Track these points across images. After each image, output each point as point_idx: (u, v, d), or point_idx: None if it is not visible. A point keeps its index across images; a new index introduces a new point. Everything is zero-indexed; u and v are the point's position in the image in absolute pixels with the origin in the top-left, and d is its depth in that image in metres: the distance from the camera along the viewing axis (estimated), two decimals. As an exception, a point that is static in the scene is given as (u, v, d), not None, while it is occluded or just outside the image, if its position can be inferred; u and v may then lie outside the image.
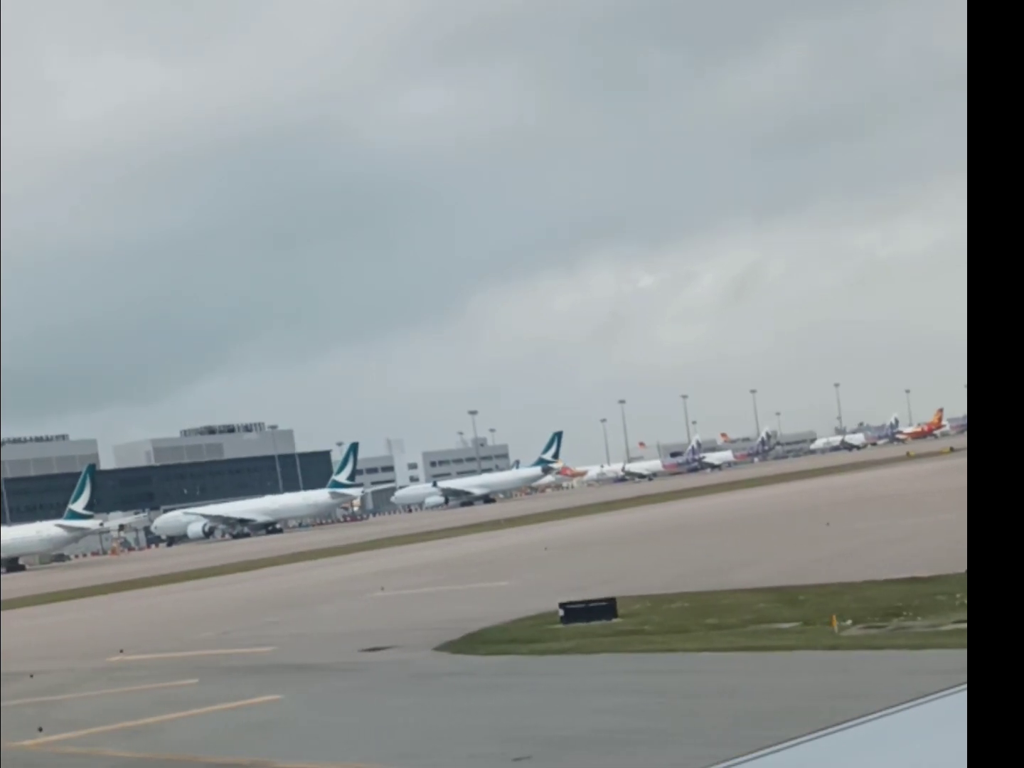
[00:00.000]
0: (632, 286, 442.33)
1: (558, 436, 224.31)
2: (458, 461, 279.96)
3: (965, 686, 5.16)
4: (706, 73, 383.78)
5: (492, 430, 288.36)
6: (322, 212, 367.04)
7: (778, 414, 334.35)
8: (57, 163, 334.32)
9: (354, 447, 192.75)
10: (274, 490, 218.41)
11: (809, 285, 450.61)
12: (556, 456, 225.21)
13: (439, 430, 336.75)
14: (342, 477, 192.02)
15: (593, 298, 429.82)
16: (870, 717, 5.29)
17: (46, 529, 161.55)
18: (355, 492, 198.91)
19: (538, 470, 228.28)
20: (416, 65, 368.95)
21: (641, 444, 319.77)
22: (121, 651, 41.98)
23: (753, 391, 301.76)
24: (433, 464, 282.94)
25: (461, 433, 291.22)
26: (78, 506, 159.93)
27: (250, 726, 25.62)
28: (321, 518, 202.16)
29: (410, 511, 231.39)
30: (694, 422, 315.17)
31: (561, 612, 36.92)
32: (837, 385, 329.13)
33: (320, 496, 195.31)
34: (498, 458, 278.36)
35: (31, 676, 37.77)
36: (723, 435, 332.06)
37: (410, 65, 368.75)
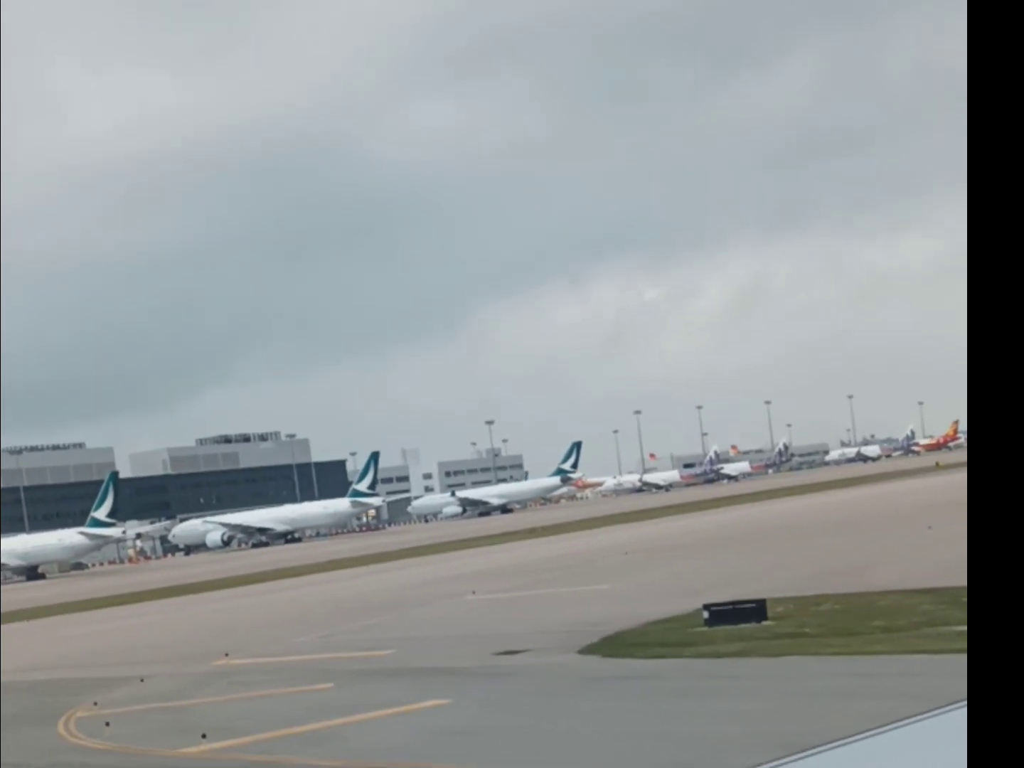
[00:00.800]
0: (637, 298, 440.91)
1: (577, 446, 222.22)
2: (473, 471, 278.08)
3: (965, 702, 5.20)
4: (713, 87, 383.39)
5: (505, 440, 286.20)
6: (331, 224, 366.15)
7: (789, 426, 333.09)
8: (70, 175, 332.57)
9: (375, 456, 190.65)
10: (290, 499, 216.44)
11: (814, 297, 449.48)
12: (575, 466, 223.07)
13: (449, 441, 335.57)
14: (363, 486, 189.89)
15: (599, 310, 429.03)
16: (869, 733, 5.25)
17: (68, 537, 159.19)
18: (376, 501, 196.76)
19: (557, 480, 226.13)
20: (425, 78, 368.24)
21: (652, 455, 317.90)
22: (226, 655, 39.98)
23: (768, 402, 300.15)
24: (448, 474, 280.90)
25: (474, 444, 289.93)
26: (100, 514, 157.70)
27: (445, 732, 23.61)
28: (337, 528, 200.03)
29: (426, 521, 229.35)
30: (705, 434, 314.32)
31: (706, 614, 34.93)
32: (851, 397, 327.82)
33: (340, 505, 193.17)
34: (512, 468, 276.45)
35: (141, 680, 35.79)
36: (733, 447, 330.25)
37: (419, 78, 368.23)
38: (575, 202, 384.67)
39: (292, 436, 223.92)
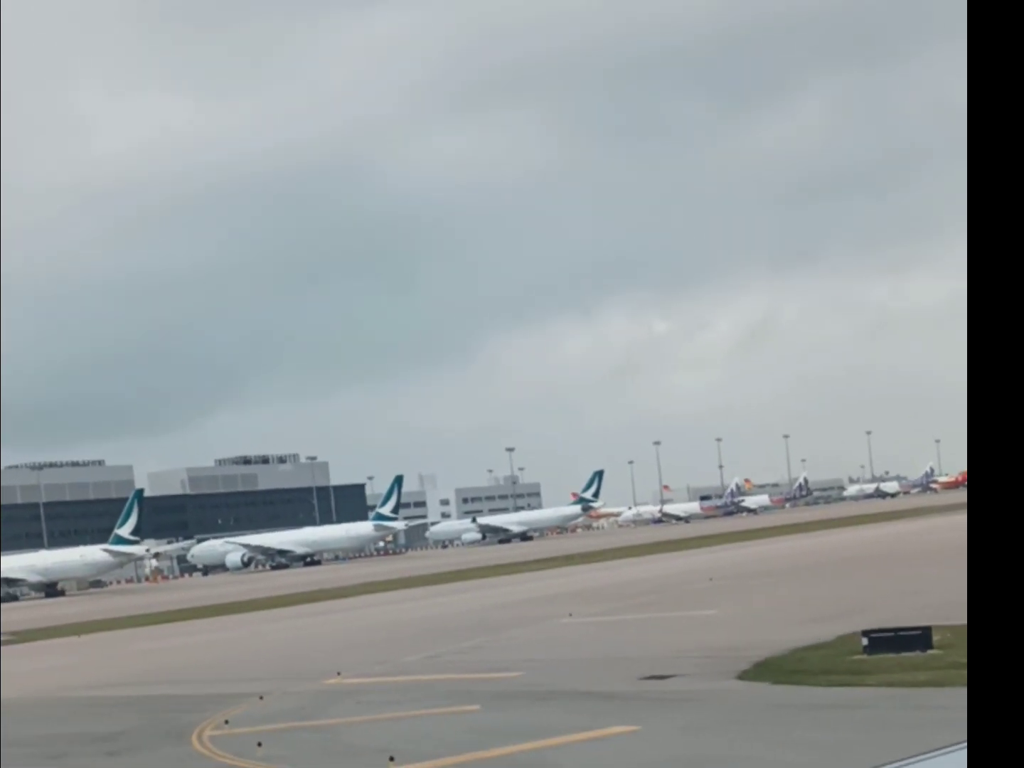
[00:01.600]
0: (648, 331, 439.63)
1: (599, 475, 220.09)
2: (491, 498, 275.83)
3: (965, 744, 5.38)
4: (726, 124, 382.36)
5: (521, 469, 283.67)
6: (348, 251, 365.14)
7: (803, 460, 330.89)
8: (95, 195, 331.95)
9: (399, 480, 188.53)
10: (308, 522, 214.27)
11: (824, 334, 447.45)
12: (596, 495, 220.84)
13: (463, 467, 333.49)
14: (386, 510, 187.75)
15: (609, 341, 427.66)
16: None
17: (90, 553, 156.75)
18: (399, 526, 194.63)
19: (578, 509, 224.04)
20: (442, 109, 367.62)
21: (666, 487, 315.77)
22: (339, 673, 37.94)
23: (786, 436, 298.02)
24: (465, 500, 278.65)
25: (491, 471, 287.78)
26: (124, 531, 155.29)
27: (678, 760, 21.66)
28: (355, 552, 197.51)
29: (444, 547, 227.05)
30: (720, 466, 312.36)
31: (864, 640, 32.95)
32: (869, 433, 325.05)
33: (363, 529, 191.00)
34: (530, 496, 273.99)
35: (260, 698, 33.78)
36: (747, 481, 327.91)
37: (436, 109, 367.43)
38: (587, 234, 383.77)
39: (313, 458, 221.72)
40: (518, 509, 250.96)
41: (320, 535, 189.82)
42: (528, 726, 26.16)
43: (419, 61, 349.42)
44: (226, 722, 29.68)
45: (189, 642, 57.08)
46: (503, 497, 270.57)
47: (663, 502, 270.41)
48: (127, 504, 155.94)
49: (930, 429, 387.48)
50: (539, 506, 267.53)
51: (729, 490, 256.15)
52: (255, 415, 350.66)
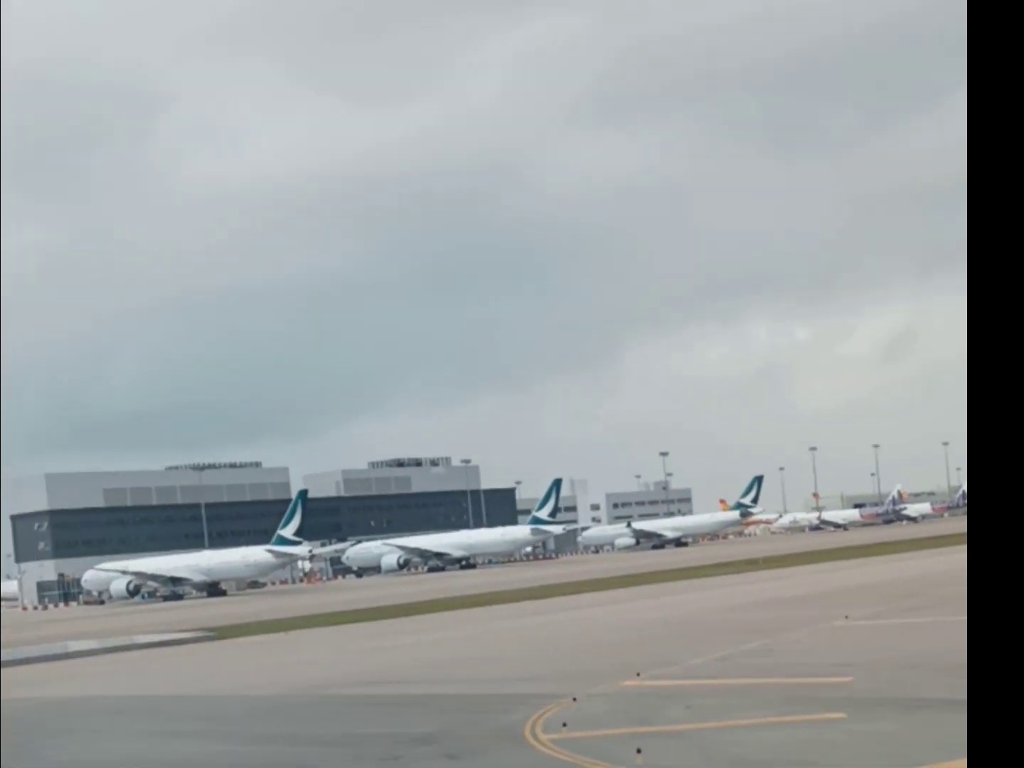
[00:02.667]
0: (788, 338, 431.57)
1: (758, 480, 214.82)
2: (640, 504, 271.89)
3: (965, 762, 6.56)
4: (876, 128, 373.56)
5: (670, 475, 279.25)
6: (488, 260, 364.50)
7: (959, 469, 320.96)
8: (244, 202, 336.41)
9: (557, 484, 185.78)
10: (459, 525, 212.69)
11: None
12: (755, 500, 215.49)
13: (603, 473, 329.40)
14: (543, 514, 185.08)
15: (749, 349, 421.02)
16: None
17: (253, 554, 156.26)
18: (556, 530, 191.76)
19: (736, 515, 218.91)
20: (588, 116, 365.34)
21: (815, 495, 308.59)
22: (638, 674, 34.70)
23: (945, 443, 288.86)
24: (616, 506, 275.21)
25: (639, 476, 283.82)
26: (287, 532, 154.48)
27: None
28: (506, 556, 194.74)
29: (596, 552, 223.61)
30: (872, 473, 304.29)
31: None
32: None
33: (520, 532, 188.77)
34: (680, 502, 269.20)
35: (574, 700, 30.63)
36: (901, 491, 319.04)
37: (583, 116, 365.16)
38: (731, 241, 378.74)
39: (467, 461, 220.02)
40: (668, 515, 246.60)
41: (476, 538, 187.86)
42: (932, 738, 22.62)
43: (569, 69, 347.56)
44: (564, 725, 26.53)
45: (415, 641, 54.22)
46: (653, 503, 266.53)
47: (817, 509, 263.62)
48: (291, 505, 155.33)
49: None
50: (690, 512, 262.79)
51: (891, 497, 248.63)
52: (401, 420, 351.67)
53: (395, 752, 25.27)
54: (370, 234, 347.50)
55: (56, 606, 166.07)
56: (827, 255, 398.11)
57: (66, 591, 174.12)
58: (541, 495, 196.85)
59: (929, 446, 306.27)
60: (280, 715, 32.65)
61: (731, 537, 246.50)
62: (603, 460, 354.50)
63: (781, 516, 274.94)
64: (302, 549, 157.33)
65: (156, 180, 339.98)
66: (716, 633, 45.93)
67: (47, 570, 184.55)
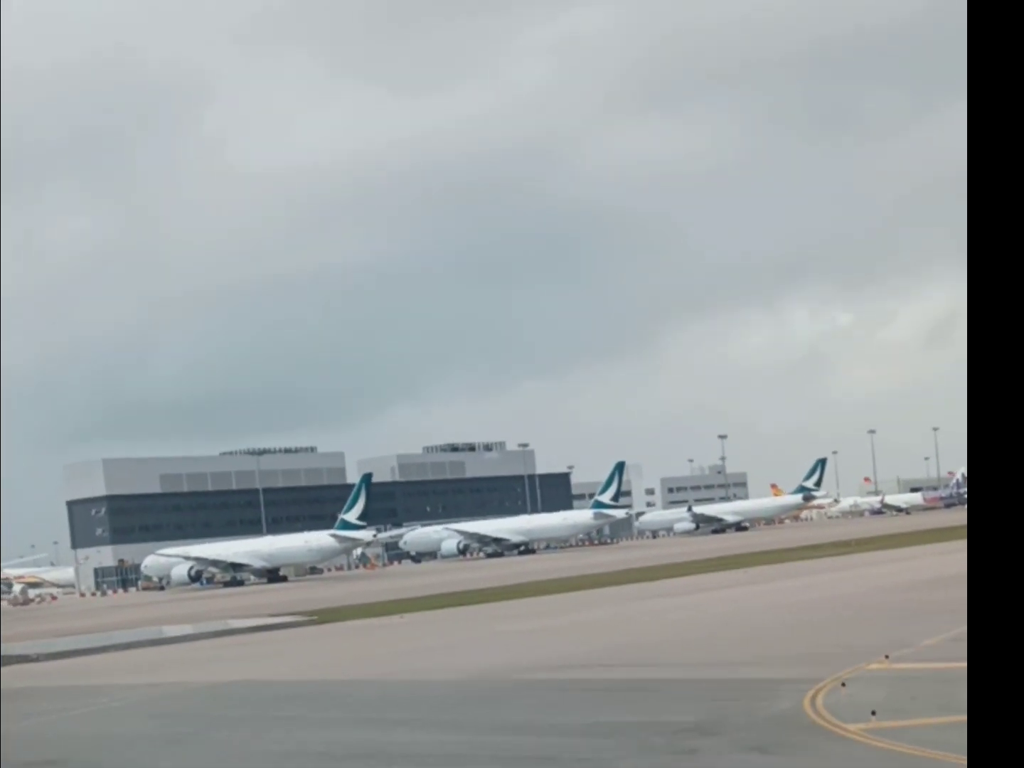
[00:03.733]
0: (831, 323, 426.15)
1: (822, 463, 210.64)
2: (696, 488, 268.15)
3: (965, 764, 6.60)
4: (921, 113, 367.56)
5: (723, 458, 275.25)
6: (528, 245, 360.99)
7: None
8: (289, 190, 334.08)
9: (620, 467, 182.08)
10: (514, 510, 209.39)
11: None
12: (819, 484, 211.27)
13: (654, 458, 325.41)
14: (606, 497, 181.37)
15: (791, 333, 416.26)
16: None
17: (316, 539, 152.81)
18: (619, 514, 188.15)
19: (799, 498, 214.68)
20: (628, 102, 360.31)
21: (867, 479, 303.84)
22: (886, 656, 31.09)
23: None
24: (671, 490, 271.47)
25: (691, 460, 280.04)
26: (351, 516, 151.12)
27: None
28: (564, 541, 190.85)
29: (654, 537, 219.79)
30: (927, 458, 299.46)
31: None
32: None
33: (582, 517, 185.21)
34: (736, 486, 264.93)
35: (843, 684, 27.03)
36: (949, 472, 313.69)
37: (623, 102, 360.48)
38: (771, 226, 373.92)
39: (525, 445, 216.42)
40: (724, 499, 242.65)
41: (537, 523, 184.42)
42: None
43: (610, 57, 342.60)
44: (873, 713, 22.89)
45: (553, 624, 50.68)
46: (708, 487, 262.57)
47: (877, 493, 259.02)
48: (355, 489, 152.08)
49: None
50: (745, 496, 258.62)
51: (955, 481, 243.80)
52: (444, 407, 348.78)
53: (681, 743, 21.76)
54: (413, 222, 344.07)
55: (115, 592, 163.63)
56: (869, 240, 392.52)
57: (124, 577, 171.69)
58: (592, 480, 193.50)
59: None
60: (494, 702, 29.23)
61: (787, 522, 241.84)
62: (652, 445, 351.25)
63: (836, 501, 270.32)
64: (366, 534, 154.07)
65: (200, 172, 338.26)
66: (905, 614, 42.37)
67: (104, 556, 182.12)
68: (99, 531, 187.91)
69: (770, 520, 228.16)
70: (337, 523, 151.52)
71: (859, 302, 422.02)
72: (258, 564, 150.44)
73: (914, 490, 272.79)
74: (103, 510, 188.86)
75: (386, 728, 26.33)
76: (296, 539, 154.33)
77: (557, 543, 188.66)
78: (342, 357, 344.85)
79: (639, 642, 41.06)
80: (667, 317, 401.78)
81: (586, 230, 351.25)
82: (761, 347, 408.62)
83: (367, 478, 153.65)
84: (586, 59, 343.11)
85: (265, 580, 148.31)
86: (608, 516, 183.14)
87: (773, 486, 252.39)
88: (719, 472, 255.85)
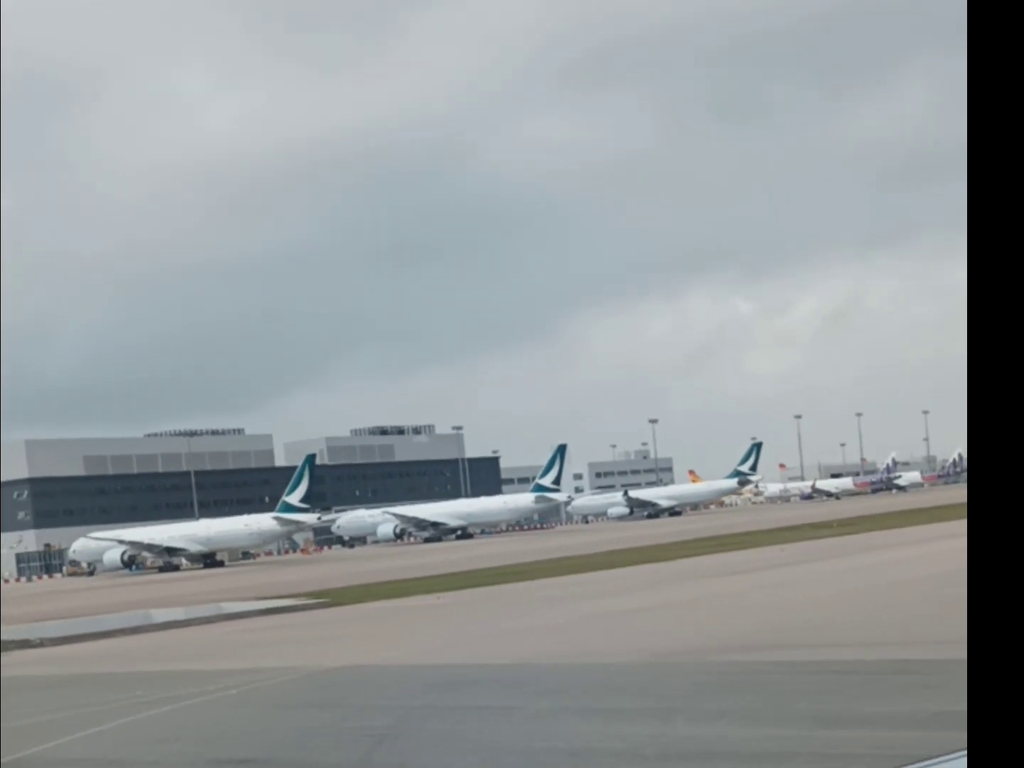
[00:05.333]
0: (733, 312, 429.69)
1: (757, 447, 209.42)
2: (623, 473, 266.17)
3: (965, 752, 5.24)
4: (824, 105, 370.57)
5: (644, 444, 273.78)
6: (436, 231, 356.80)
7: (926, 439, 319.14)
8: (191, 172, 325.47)
9: (561, 450, 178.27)
10: (445, 494, 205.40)
11: (912, 316, 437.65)
12: (754, 468, 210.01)
13: (576, 442, 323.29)
14: (547, 481, 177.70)
15: (693, 323, 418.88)
16: None
17: (256, 522, 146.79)
18: (560, 498, 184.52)
19: (734, 483, 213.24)
20: (538, 90, 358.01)
21: (782, 466, 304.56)
22: None
23: (926, 412, 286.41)
24: (598, 475, 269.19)
25: (614, 446, 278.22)
26: (294, 498, 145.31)
27: None
28: (493, 527, 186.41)
29: (587, 521, 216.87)
30: (842, 444, 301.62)
31: None
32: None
33: (523, 501, 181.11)
34: (662, 471, 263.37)
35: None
36: (895, 460, 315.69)
37: (532, 90, 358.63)
38: (677, 217, 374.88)
39: (459, 428, 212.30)
40: (649, 484, 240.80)
41: (476, 507, 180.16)
42: None
43: (520, 42, 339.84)
44: None
45: (643, 604, 46.68)
46: (635, 472, 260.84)
47: (803, 480, 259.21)
48: (298, 471, 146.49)
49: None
50: (671, 481, 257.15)
51: (885, 466, 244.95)
52: (351, 392, 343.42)
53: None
54: (324, 208, 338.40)
55: (39, 578, 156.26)
56: (770, 232, 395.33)
57: (47, 562, 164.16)
58: (516, 465, 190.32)
59: (906, 415, 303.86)
60: (740, 689, 24.90)
61: (713, 508, 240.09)
62: (573, 431, 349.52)
63: (757, 486, 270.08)
64: (310, 517, 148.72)
65: (108, 153, 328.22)
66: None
67: (27, 540, 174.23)
68: (21, 514, 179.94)
69: (696, 506, 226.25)
70: (279, 505, 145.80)
71: (760, 292, 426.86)
72: (195, 548, 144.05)
73: (834, 476, 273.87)
74: (26, 493, 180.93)
75: (658, 719, 21.78)
76: (236, 522, 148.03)
77: (491, 528, 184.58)
78: (245, 343, 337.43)
79: (779, 623, 37.03)
80: (575, 305, 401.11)
81: (494, 218, 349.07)
82: (665, 334, 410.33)
83: (311, 459, 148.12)
84: (494, 46, 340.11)
85: (201, 565, 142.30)
86: (550, 500, 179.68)
87: (691, 472, 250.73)
88: (645, 457, 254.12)
